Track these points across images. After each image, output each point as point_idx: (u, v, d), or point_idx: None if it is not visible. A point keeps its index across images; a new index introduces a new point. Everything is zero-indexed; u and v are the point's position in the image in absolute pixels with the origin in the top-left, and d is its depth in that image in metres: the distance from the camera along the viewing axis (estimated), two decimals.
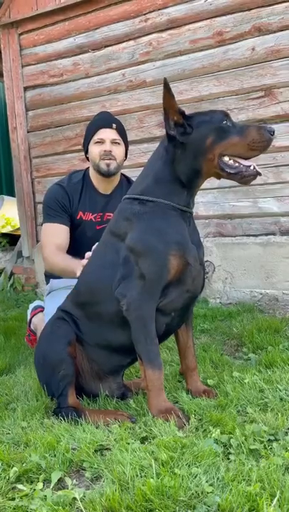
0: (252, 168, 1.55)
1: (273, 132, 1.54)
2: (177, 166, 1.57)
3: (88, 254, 1.89)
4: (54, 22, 3.84)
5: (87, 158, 2.30)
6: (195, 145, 1.54)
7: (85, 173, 2.33)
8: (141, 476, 1.13)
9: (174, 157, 1.57)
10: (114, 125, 2.20)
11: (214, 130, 1.53)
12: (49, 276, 2.37)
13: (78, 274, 1.90)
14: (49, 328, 1.69)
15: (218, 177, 1.62)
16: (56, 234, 2.23)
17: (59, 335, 1.62)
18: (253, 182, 3.35)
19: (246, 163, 1.55)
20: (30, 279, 4.28)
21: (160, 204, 1.56)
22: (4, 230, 4.92)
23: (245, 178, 1.56)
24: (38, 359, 1.69)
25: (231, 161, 1.55)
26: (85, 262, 1.88)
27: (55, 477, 1.16)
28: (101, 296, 1.61)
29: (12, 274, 4.44)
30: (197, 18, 3.26)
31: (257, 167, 1.57)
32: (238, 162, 1.55)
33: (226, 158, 1.55)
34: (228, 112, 1.64)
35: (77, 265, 1.96)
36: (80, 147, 3.82)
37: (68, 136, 3.93)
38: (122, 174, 2.38)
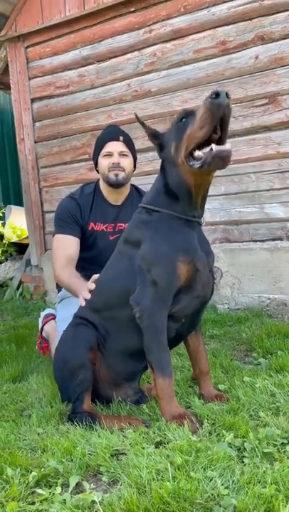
0: (213, 150, 1.41)
1: (216, 94, 1.34)
2: (168, 179, 1.62)
3: (95, 276, 1.90)
4: (60, 35, 3.92)
5: (97, 171, 2.34)
6: (168, 157, 1.60)
7: (96, 185, 2.38)
8: (157, 480, 1.16)
9: (165, 171, 1.64)
10: (121, 138, 2.25)
11: (173, 135, 1.55)
12: None
13: (81, 302, 1.84)
14: (71, 332, 1.72)
15: (204, 176, 1.54)
16: (67, 245, 2.27)
17: (81, 339, 1.65)
18: (258, 188, 3.40)
19: (207, 149, 1.42)
20: (39, 288, 4.32)
21: (164, 214, 1.61)
22: (11, 240, 4.98)
23: (212, 163, 1.42)
24: (58, 362, 1.72)
25: (198, 154, 1.45)
26: (91, 286, 1.86)
27: (73, 481, 1.19)
28: (117, 301, 1.64)
29: (21, 282, 4.49)
30: (201, 29, 3.32)
31: (221, 146, 1.41)
32: (203, 152, 1.44)
33: (195, 153, 1.46)
34: (189, 109, 1.54)
35: (82, 290, 1.91)
36: (86, 156, 3.89)
37: (75, 146, 3.99)
38: (132, 185, 2.42)
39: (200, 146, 1.45)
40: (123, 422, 1.52)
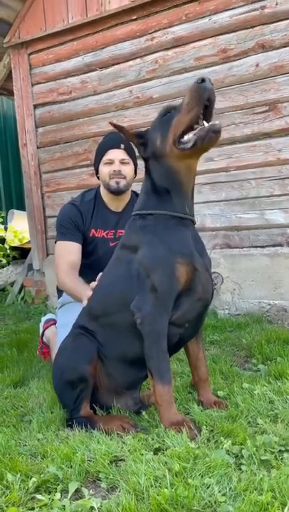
0: (205, 125, 1.48)
1: (202, 80, 1.43)
2: (154, 176, 1.66)
3: (100, 276, 1.93)
4: (63, 42, 3.96)
5: (98, 178, 2.37)
6: (153, 152, 1.64)
7: (97, 191, 2.40)
8: (155, 486, 1.17)
9: (149, 171, 1.68)
10: (122, 145, 2.27)
11: (158, 128, 1.61)
12: (62, 290, 2.43)
13: (84, 301, 1.93)
14: (71, 344, 1.72)
15: (192, 159, 1.60)
16: (69, 252, 2.29)
17: (81, 351, 1.65)
18: (259, 194, 3.41)
19: (196, 129, 1.50)
20: (40, 292, 4.35)
21: (158, 216, 1.63)
22: (13, 244, 5.01)
23: (206, 137, 1.48)
24: (57, 373, 1.73)
25: (187, 137, 1.52)
26: (93, 284, 1.92)
27: (72, 487, 1.20)
28: (115, 307, 1.65)
29: (23, 286, 4.51)
30: (202, 36, 3.35)
31: (210, 122, 1.48)
32: (193, 134, 1.50)
33: (184, 138, 1.53)
34: (172, 105, 1.62)
35: (84, 292, 1.99)
36: (88, 162, 3.92)
37: (77, 152, 4.02)
38: (132, 192, 2.44)
39: (184, 134, 1.52)
40: (115, 423, 1.55)
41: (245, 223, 3.35)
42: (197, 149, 1.52)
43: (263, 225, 3.29)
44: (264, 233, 3.29)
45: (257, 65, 3.19)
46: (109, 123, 1.78)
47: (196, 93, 1.45)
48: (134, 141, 1.71)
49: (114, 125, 1.72)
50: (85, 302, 1.92)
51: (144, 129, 1.73)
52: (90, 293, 1.92)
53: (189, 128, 1.51)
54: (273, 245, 3.24)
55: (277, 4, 3.07)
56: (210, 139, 1.49)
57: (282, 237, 3.23)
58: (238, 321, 3.06)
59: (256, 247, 3.31)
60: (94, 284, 1.94)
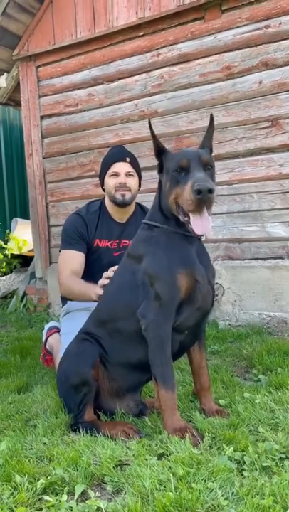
0: (194, 228, 1.55)
1: (200, 191, 1.47)
2: (161, 200, 1.72)
3: (106, 273, 1.98)
4: (70, 56, 4.05)
5: (104, 190, 2.43)
6: (162, 184, 1.70)
7: (102, 202, 2.46)
8: (160, 490, 1.20)
9: (160, 191, 1.73)
10: (127, 158, 2.34)
11: (168, 177, 1.63)
12: (66, 298, 2.47)
13: (94, 297, 2.02)
14: (75, 348, 1.77)
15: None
16: (73, 260, 2.34)
17: (84, 356, 1.71)
18: (260, 207, 3.47)
19: (193, 220, 1.55)
20: (42, 300, 4.38)
21: (163, 229, 1.70)
22: (13, 251, 5.05)
23: (190, 232, 1.59)
24: (61, 377, 1.77)
25: (181, 214, 1.61)
26: (103, 282, 1.97)
27: (78, 490, 1.23)
28: (121, 314, 1.71)
29: (25, 294, 4.55)
30: (207, 54, 3.45)
31: (200, 225, 1.54)
32: (185, 215, 1.58)
33: (183, 209, 1.59)
34: (193, 158, 1.59)
35: (93, 290, 2.05)
36: (93, 173, 3.99)
37: (82, 163, 4.10)
38: (136, 203, 2.50)
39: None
40: (119, 429, 1.59)
41: (246, 236, 3.41)
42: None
43: (264, 238, 3.34)
44: (265, 246, 3.34)
45: (260, 82, 3.28)
46: (148, 122, 1.76)
47: (189, 202, 1.52)
48: (155, 154, 1.71)
49: (151, 127, 1.69)
50: (97, 291, 1.98)
51: (169, 149, 1.73)
52: (100, 291, 1.96)
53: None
54: (274, 258, 3.30)
55: (280, 24, 3.17)
56: (194, 235, 1.58)
57: (283, 249, 3.28)
58: (238, 331, 3.10)
59: (257, 259, 3.36)
60: (103, 281, 1.98)
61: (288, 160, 3.22)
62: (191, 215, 1.56)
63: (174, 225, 1.68)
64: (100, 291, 1.95)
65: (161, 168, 1.71)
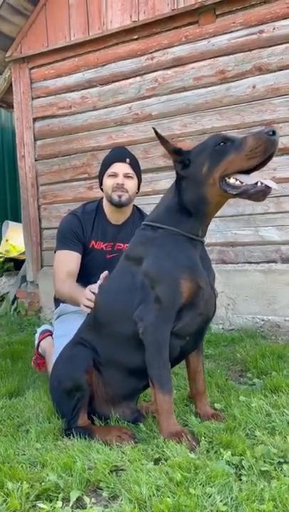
0: (259, 184, 1.49)
1: (273, 132, 1.42)
2: (184, 196, 1.65)
3: (103, 274, 1.95)
4: (64, 58, 4.04)
5: (102, 189, 2.40)
6: (194, 175, 1.62)
7: (99, 203, 2.43)
8: (157, 496, 1.17)
9: (180, 188, 1.67)
10: (127, 160, 2.31)
11: (208, 156, 1.57)
12: (59, 300, 2.43)
13: (82, 305, 1.97)
14: (68, 352, 1.73)
15: (228, 198, 1.63)
16: (68, 261, 2.31)
17: (78, 360, 1.67)
18: (254, 211, 3.46)
19: (251, 180, 1.50)
20: (33, 304, 4.33)
21: (169, 231, 1.65)
22: (5, 255, 4.99)
23: (253, 195, 1.51)
24: (54, 382, 1.73)
25: (234, 181, 1.53)
26: (92, 288, 1.94)
27: (73, 496, 1.20)
28: (117, 317, 1.66)
29: (16, 298, 4.49)
30: (201, 58, 3.46)
31: (267, 181, 1.48)
32: (241, 181, 1.51)
33: (231, 180, 1.53)
34: (227, 136, 1.58)
35: (82, 295, 2.01)
36: (86, 175, 3.97)
37: (75, 165, 4.07)
38: (134, 206, 2.48)
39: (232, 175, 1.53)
40: (114, 434, 1.55)
41: (240, 239, 3.41)
42: (237, 197, 1.55)
43: (257, 242, 3.34)
44: (258, 249, 3.34)
45: (254, 87, 3.29)
46: (153, 129, 1.72)
47: (265, 144, 1.44)
48: (172, 157, 1.66)
49: (157, 133, 1.66)
50: (82, 306, 1.95)
51: (188, 148, 1.69)
52: (88, 292, 1.94)
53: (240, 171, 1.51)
54: (267, 261, 3.30)
55: (274, 29, 3.19)
56: (256, 199, 1.53)
57: (276, 253, 3.28)
58: (232, 335, 3.09)
59: (251, 263, 3.36)
60: (91, 286, 1.96)
61: (282, 164, 3.23)
62: (251, 175, 1.48)
63: (189, 228, 1.63)
64: (87, 302, 1.92)
65: (183, 167, 1.64)
